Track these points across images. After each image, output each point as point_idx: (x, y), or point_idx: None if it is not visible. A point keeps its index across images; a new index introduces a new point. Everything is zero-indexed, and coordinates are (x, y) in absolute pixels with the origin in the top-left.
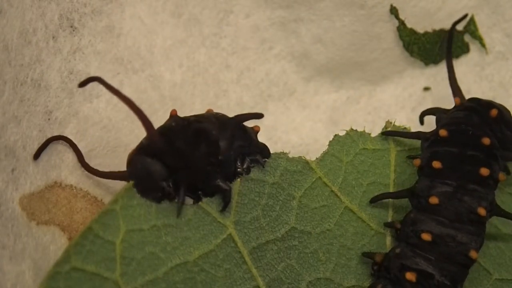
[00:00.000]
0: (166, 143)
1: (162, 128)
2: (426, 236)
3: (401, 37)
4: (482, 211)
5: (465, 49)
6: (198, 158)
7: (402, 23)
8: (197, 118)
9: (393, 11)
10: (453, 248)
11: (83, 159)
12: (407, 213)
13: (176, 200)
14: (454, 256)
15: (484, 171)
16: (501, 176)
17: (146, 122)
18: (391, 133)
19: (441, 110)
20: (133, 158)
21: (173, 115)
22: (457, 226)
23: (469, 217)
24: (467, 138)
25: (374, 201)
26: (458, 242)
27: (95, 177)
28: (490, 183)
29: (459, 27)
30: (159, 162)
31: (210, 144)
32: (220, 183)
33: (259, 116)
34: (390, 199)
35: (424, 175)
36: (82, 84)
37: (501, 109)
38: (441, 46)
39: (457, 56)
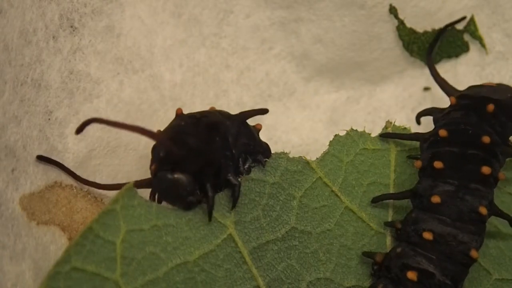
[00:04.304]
0: (181, 146)
1: (171, 128)
2: (427, 235)
3: (400, 36)
4: (483, 210)
5: (465, 48)
6: (213, 151)
7: (401, 22)
8: (204, 114)
9: (393, 10)
10: (454, 247)
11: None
12: (408, 212)
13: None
14: (455, 255)
15: (486, 170)
16: (501, 175)
17: (151, 135)
18: (389, 135)
19: (437, 110)
20: (157, 175)
21: (179, 114)
22: (458, 225)
23: (470, 216)
24: (467, 137)
25: (376, 201)
26: (459, 241)
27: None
28: (491, 181)
29: (459, 26)
30: (184, 172)
31: (222, 137)
32: (231, 178)
33: (264, 111)
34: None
35: (425, 175)
36: (79, 130)
37: (498, 97)
38: (440, 45)
39: (457, 56)
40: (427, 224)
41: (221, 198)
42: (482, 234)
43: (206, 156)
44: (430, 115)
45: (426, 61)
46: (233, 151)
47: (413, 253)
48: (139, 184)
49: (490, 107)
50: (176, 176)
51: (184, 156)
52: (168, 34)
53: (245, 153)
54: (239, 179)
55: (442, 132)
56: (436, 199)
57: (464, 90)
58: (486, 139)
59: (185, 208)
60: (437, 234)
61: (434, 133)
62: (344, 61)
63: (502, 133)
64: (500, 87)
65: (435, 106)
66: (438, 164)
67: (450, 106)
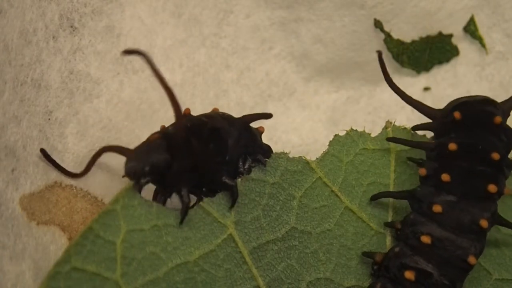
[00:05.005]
0: (184, 142)
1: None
2: (425, 239)
3: (389, 49)
4: (484, 223)
5: (454, 52)
6: (207, 156)
7: (388, 35)
8: (209, 118)
9: (378, 24)
10: (452, 252)
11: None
12: (407, 213)
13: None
14: (453, 260)
15: (492, 188)
16: (507, 190)
17: (179, 113)
18: (395, 140)
19: (434, 124)
20: (153, 138)
21: (187, 114)
22: (458, 232)
23: (471, 228)
24: (477, 152)
25: (374, 199)
26: (457, 247)
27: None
28: (495, 197)
29: (449, 29)
30: (169, 156)
31: (220, 143)
32: (226, 180)
33: (267, 116)
34: (390, 199)
35: (428, 184)
36: (127, 52)
37: (500, 107)
38: (430, 53)
39: (448, 60)
40: (425, 227)
41: (221, 198)
42: (482, 241)
43: (196, 160)
44: (429, 130)
45: (394, 90)
46: (227, 158)
47: (411, 252)
48: (119, 149)
49: (498, 119)
50: (162, 150)
51: (182, 152)
52: (168, 34)
53: (244, 154)
54: (239, 180)
55: (452, 146)
56: (437, 208)
57: (454, 104)
58: (495, 155)
59: (133, 177)
60: (435, 238)
61: (442, 145)
62: (344, 61)
63: (507, 143)
64: (483, 97)
65: (426, 122)
66: (445, 177)
67: (455, 120)
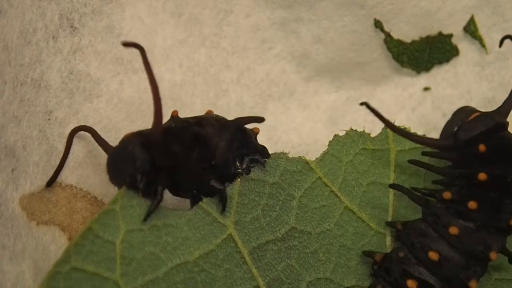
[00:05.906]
0: (164, 141)
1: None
2: (433, 255)
3: (389, 49)
4: (493, 256)
5: (454, 52)
6: (190, 161)
7: (388, 35)
8: (198, 121)
9: (378, 24)
10: (455, 273)
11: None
12: (416, 220)
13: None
14: (454, 280)
15: None
16: None
17: (158, 113)
18: (417, 163)
19: (451, 155)
20: (126, 137)
21: (174, 116)
22: (466, 257)
23: (479, 256)
24: (505, 185)
25: (394, 187)
26: (462, 270)
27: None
28: (511, 232)
29: (449, 29)
30: (148, 154)
31: (205, 149)
32: (214, 184)
33: (260, 120)
34: (390, 199)
35: (449, 205)
36: (125, 44)
37: (506, 123)
38: (430, 53)
39: (448, 60)
40: (435, 243)
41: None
42: (485, 268)
43: (177, 162)
44: (445, 159)
45: (397, 132)
46: (213, 163)
47: (416, 261)
48: (103, 143)
49: None
50: (141, 149)
51: (160, 149)
52: (168, 34)
53: (240, 155)
54: (238, 180)
55: (482, 176)
56: (454, 230)
57: (473, 136)
58: None
59: (125, 182)
60: (443, 257)
61: (470, 175)
62: (344, 61)
63: None
64: (496, 121)
65: (441, 152)
66: (473, 205)
67: (479, 152)
